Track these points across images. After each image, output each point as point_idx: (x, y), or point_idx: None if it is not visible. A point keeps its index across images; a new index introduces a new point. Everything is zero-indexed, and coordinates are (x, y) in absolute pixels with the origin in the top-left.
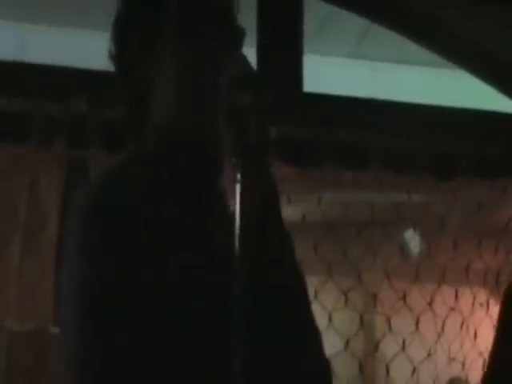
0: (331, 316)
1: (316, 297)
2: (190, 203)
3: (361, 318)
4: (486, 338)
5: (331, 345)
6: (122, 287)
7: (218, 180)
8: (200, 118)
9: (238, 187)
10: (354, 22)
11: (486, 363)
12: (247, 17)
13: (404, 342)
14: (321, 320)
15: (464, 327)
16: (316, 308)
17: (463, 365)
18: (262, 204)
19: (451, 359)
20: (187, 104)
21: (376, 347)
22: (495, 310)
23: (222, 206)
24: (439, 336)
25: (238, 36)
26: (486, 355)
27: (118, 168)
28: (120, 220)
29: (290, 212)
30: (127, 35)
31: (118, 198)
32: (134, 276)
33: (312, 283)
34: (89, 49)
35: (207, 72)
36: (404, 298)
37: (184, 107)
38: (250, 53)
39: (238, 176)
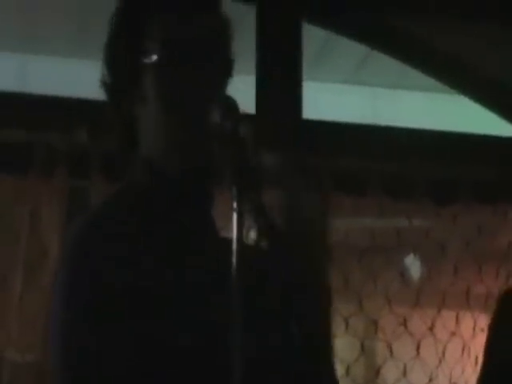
0: None
1: None
2: (177, 234)
3: (362, 344)
4: None
5: None
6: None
7: (207, 209)
8: (186, 149)
9: (234, 215)
10: (353, 49)
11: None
12: (246, 44)
13: (405, 367)
14: None
15: (465, 352)
16: None
17: None
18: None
19: None
20: (171, 137)
21: (377, 373)
22: None
23: (211, 234)
24: (440, 361)
25: (226, 65)
26: None
27: (108, 200)
28: (107, 250)
29: None
30: (114, 66)
31: (104, 230)
32: (118, 306)
33: None
34: (89, 79)
35: (192, 103)
36: (405, 323)
37: (168, 140)
38: (249, 80)
39: (234, 204)
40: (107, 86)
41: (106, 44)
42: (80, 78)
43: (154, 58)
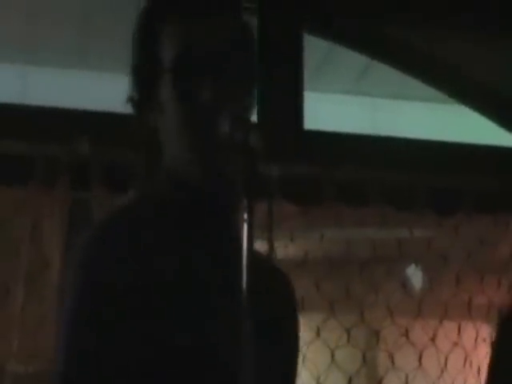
0: (334, 353)
1: (318, 334)
2: (198, 245)
3: (363, 355)
4: None
5: (334, 382)
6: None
7: (231, 222)
8: (204, 159)
9: (245, 226)
10: (354, 59)
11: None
12: None
13: (407, 378)
14: (323, 357)
15: (467, 362)
16: (318, 345)
17: None
18: None
19: None
20: (189, 148)
21: None
22: None
23: (235, 246)
24: (442, 371)
25: (246, 77)
26: None
27: (123, 208)
28: (119, 260)
29: (292, 250)
30: (135, 77)
31: (118, 239)
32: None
33: (314, 321)
34: (90, 90)
35: (208, 114)
36: (407, 334)
37: (186, 151)
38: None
39: (245, 215)
40: (132, 99)
41: (133, 59)
42: (81, 89)
43: (171, 65)
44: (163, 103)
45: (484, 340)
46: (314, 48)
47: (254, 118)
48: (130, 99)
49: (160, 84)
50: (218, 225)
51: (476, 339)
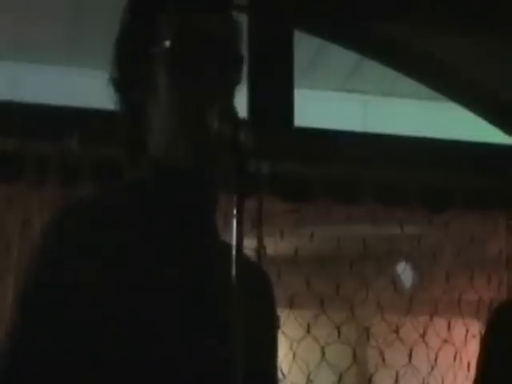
0: (324, 350)
1: (309, 331)
2: (174, 232)
3: (354, 352)
4: None
5: (324, 379)
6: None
7: (209, 213)
8: (192, 149)
9: (234, 221)
10: (345, 57)
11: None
12: None
13: (397, 374)
14: (314, 354)
15: (457, 359)
16: (309, 342)
17: None
18: None
19: None
20: (179, 136)
21: (369, 381)
22: None
23: (210, 235)
24: (432, 368)
25: (235, 67)
26: None
27: (100, 193)
28: (88, 237)
29: (282, 247)
30: (126, 57)
31: (85, 216)
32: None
33: (305, 317)
34: (81, 88)
35: (201, 104)
36: (397, 330)
37: (176, 138)
38: (241, 88)
39: (234, 210)
40: (116, 80)
41: (118, 38)
42: (72, 86)
43: (167, 44)
44: (156, 81)
45: (474, 336)
46: (305, 45)
47: (245, 114)
48: (113, 79)
49: (154, 62)
50: (197, 214)
51: (466, 336)
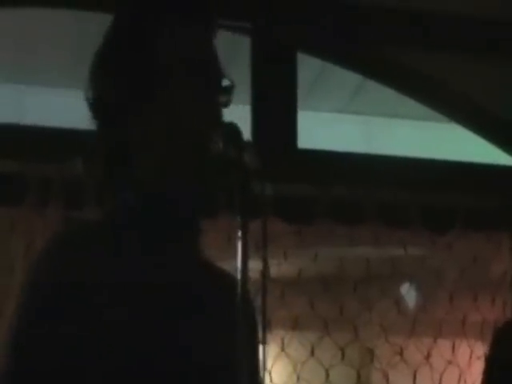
0: (328, 372)
1: (313, 353)
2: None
3: (358, 374)
4: None
5: None
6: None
7: (195, 237)
8: (183, 173)
9: (238, 243)
10: (347, 78)
11: None
12: (241, 74)
13: None
14: (318, 376)
15: (462, 381)
16: (313, 364)
17: None
18: None
19: None
20: (170, 159)
21: None
22: None
23: (189, 262)
24: None
25: (226, 89)
26: None
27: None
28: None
29: (286, 268)
30: (115, 80)
31: (76, 245)
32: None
33: (308, 339)
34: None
35: (193, 125)
36: (401, 352)
37: (167, 162)
38: (244, 110)
39: (239, 232)
40: (100, 104)
41: (102, 59)
42: (76, 108)
43: (160, 73)
44: (147, 108)
45: (478, 358)
46: (308, 67)
47: (248, 136)
48: (96, 102)
49: (144, 88)
50: (178, 241)
51: (470, 357)
